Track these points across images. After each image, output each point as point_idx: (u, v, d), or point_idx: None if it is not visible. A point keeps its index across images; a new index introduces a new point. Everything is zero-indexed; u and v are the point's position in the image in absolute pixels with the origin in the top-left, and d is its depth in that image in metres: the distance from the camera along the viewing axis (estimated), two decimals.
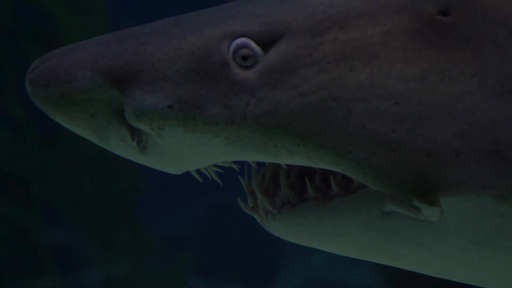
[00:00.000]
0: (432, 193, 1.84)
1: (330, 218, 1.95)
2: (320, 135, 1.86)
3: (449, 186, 1.83)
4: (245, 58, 1.92)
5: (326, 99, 1.86)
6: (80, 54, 1.99)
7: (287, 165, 2.00)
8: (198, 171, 2.08)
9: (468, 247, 1.90)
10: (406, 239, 1.92)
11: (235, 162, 2.06)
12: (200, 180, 2.10)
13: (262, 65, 1.91)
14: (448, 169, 1.83)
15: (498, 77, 1.85)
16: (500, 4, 1.89)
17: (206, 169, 2.06)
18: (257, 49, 1.93)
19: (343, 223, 1.94)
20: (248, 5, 1.99)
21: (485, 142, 1.82)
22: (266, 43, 1.93)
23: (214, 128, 1.91)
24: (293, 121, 1.87)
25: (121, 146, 2.01)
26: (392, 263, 2.02)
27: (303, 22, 1.93)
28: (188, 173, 2.09)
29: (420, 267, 2.01)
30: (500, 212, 1.84)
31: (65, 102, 1.99)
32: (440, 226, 1.88)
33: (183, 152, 1.96)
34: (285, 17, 1.94)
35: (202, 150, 1.95)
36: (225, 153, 1.95)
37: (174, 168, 2.03)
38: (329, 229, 1.96)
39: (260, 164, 2.06)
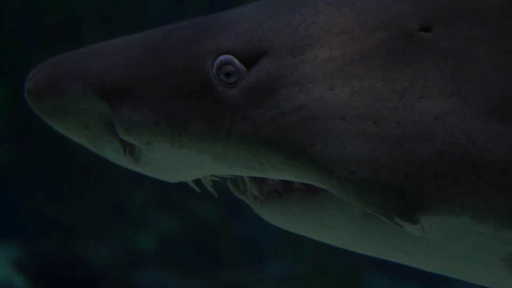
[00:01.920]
0: (412, 213, 1.83)
1: (314, 211, 1.96)
2: (302, 154, 1.85)
3: (428, 206, 1.82)
4: (228, 75, 1.91)
5: (307, 119, 1.85)
6: (74, 66, 2.01)
7: None
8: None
9: (449, 260, 1.90)
10: (388, 242, 1.92)
11: None
12: (198, 190, 2.10)
13: (245, 83, 1.90)
14: (427, 190, 1.81)
15: (477, 96, 1.81)
16: (482, 21, 1.86)
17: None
18: (241, 66, 1.91)
19: (327, 218, 1.95)
20: (234, 21, 1.97)
21: (463, 163, 1.80)
22: (249, 61, 1.91)
23: (200, 145, 1.91)
24: (276, 141, 1.86)
25: (115, 156, 2.03)
26: (380, 257, 2.01)
27: (285, 40, 1.91)
28: None
29: (407, 263, 2.00)
30: (479, 231, 1.83)
31: (59, 112, 2.02)
32: (422, 240, 1.88)
33: (174, 165, 1.97)
34: (268, 35, 1.92)
35: (191, 165, 1.96)
36: (215, 168, 1.95)
37: (169, 178, 2.04)
38: (314, 221, 1.97)
39: None
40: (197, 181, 2.11)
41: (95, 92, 1.97)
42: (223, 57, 1.92)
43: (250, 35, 1.93)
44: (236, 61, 1.91)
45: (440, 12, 1.89)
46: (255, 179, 2.02)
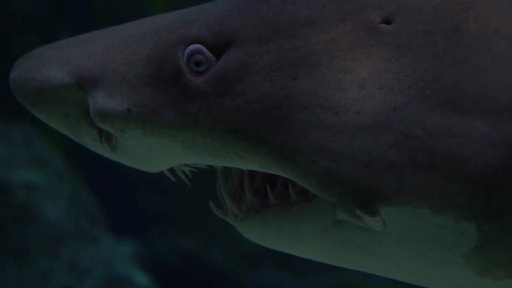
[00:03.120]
0: (371, 204, 1.84)
1: (290, 224, 1.97)
2: (266, 143, 1.87)
3: (386, 197, 1.83)
4: (198, 64, 1.94)
5: (270, 107, 1.88)
6: (54, 55, 2.07)
7: (253, 170, 2.01)
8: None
9: (413, 257, 1.89)
10: (359, 248, 1.92)
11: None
12: (173, 179, 2.13)
13: (213, 71, 1.94)
14: (385, 180, 1.82)
15: (435, 88, 1.82)
16: (442, 13, 1.86)
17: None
18: (210, 55, 1.95)
19: (302, 230, 1.96)
20: (206, 12, 2.01)
21: (420, 154, 1.81)
22: (218, 50, 1.95)
23: (170, 132, 1.94)
24: (241, 129, 1.89)
25: (94, 145, 2.08)
26: (360, 269, 2.02)
27: (252, 30, 1.94)
28: None
29: (383, 274, 2.01)
30: (438, 224, 1.83)
31: (41, 100, 2.07)
32: (385, 236, 1.88)
33: (147, 154, 2.01)
34: (236, 25, 1.95)
35: (163, 152, 1.99)
36: (185, 156, 1.98)
37: (146, 167, 2.07)
38: (290, 236, 1.98)
39: (229, 169, 2.08)
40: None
41: (72, 80, 2.02)
42: (192, 46, 1.96)
43: (219, 25, 1.97)
44: (205, 50, 1.95)
45: (402, 5, 1.90)
46: (234, 197, 2.06)
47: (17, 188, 6.81)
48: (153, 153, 2.01)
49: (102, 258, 6.94)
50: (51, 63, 2.06)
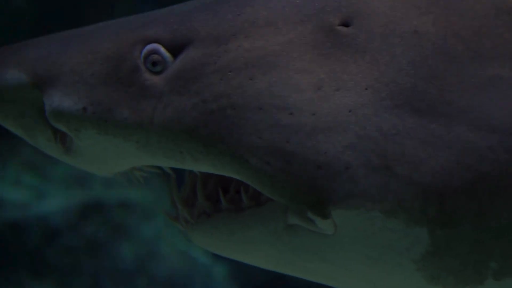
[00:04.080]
0: (323, 206, 1.83)
1: (241, 229, 1.96)
2: (220, 143, 1.87)
3: (339, 199, 1.82)
4: (155, 63, 1.94)
5: (226, 107, 1.87)
6: (12, 55, 2.05)
7: (206, 175, 2.01)
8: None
9: (365, 262, 1.88)
10: (310, 253, 1.91)
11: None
12: (126, 183, 2.12)
13: (170, 71, 1.93)
14: (338, 182, 1.81)
15: (390, 90, 1.83)
16: (400, 17, 1.87)
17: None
18: (167, 55, 1.94)
19: (253, 235, 1.94)
20: (166, 13, 2.02)
21: (375, 156, 1.81)
22: (176, 50, 1.95)
23: (125, 131, 1.94)
24: (196, 128, 1.88)
25: (48, 146, 2.06)
26: (309, 278, 2.00)
27: (211, 30, 1.94)
28: None
29: (334, 283, 1.99)
30: (390, 227, 1.82)
31: None
32: (336, 240, 1.87)
33: (101, 155, 2.00)
34: (195, 25, 1.95)
35: (117, 153, 1.98)
36: (139, 157, 1.97)
37: (98, 170, 2.06)
38: (241, 241, 1.97)
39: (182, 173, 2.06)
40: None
41: (28, 78, 2.01)
42: (150, 46, 1.95)
43: (178, 25, 1.96)
44: (162, 49, 1.94)
45: (361, 8, 1.90)
46: (186, 202, 2.04)
47: (114, 207, 6.86)
48: (107, 154, 1.99)
49: (200, 278, 6.95)
50: (8, 63, 2.04)
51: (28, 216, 6.65)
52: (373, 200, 1.81)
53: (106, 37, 2.01)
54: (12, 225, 6.64)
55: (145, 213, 6.93)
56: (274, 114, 1.86)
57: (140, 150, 1.96)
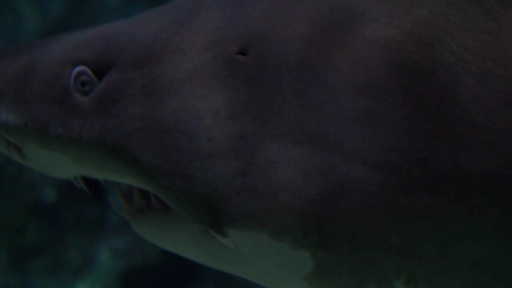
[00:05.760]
0: (220, 226, 1.96)
1: (168, 229, 2.10)
2: (135, 163, 2.01)
3: (232, 221, 1.95)
4: (83, 84, 2.08)
5: (139, 129, 2.01)
6: None
7: None
8: None
9: (266, 276, 2.02)
10: (222, 258, 2.05)
11: None
12: (79, 187, 2.25)
13: (95, 92, 2.07)
14: (231, 205, 1.94)
15: (276, 120, 1.92)
16: (290, 48, 1.95)
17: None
18: (93, 77, 2.08)
19: (178, 236, 2.09)
20: (96, 34, 2.14)
21: (261, 182, 1.91)
22: (100, 72, 2.08)
23: (61, 147, 2.09)
24: (116, 148, 2.02)
25: (7, 153, 2.23)
26: (230, 272, 2.12)
27: (130, 54, 2.06)
28: None
29: (247, 277, 2.11)
30: (278, 249, 1.95)
31: None
32: (239, 254, 2.00)
33: (49, 163, 2.17)
34: (117, 49, 2.08)
35: (60, 164, 2.15)
36: (78, 169, 2.14)
37: (54, 174, 2.22)
38: (169, 239, 2.12)
39: None
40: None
41: None
42: (79, 68, 2.09)
43: (103, 49, 2.09)
44: (89, 71, 2.08)
45: (257, 37, 1.98)
46: (126, 197, 2.18)
47: None
48: (53, 163, 2.16)
49: None
50: None
51: None
52: (261, 224, 1.93)
53: (44, 58, 2.15)
54: None
55: None
56: (177, 138, 1.98)
57: (78, 163, 2.12)
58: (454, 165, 1.88)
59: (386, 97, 1.89)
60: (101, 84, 2.08)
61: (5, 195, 6.33)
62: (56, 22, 6.79)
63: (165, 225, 2.12)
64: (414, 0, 1.96)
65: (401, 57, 1.91)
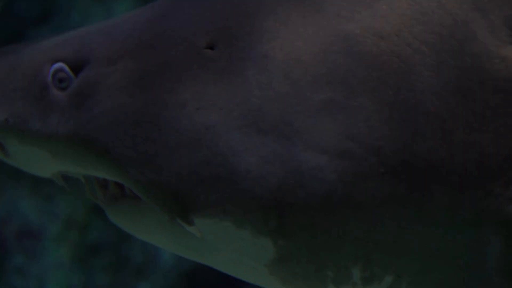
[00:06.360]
0: (186, 214, 2.01)
1: (139, 216, 2.16)
2: (107, 155, 2.07)
3: (197, 209, 2.00)
4: (61, 80, 2.16)
5: (110, 122, 2.07)
6: None
7: None
8: None
9: (231, 264, 2.07)
10: (190, 247, 2.10)
11: None
12: (61, 184, 2.31)
13: (71, 88, 2.15)
14: (195, 194, 1.99)
15: (241, 111, 1.98)
16: (255, 41, 2.01)
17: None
18: (70, 73, 2.16)
19: (148, 223, 2.14)
20: (77, 34, 2.24)
21: (224, 171, 1.97)
22: (77, 69, 2.16)
23: (38, 141, 2.17)
24: (89, 142, 2.09)
25: None
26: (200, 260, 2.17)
27: (104, 51, 2.14)
28: None
29: (215, 266, 2.16)
30: (241, 237, 2.00)
31: None
32: (204, 243, 2.06)
33: (30, 159, 2.24)
34: (93, 46, 2.16)
35: (39, 159, 2.21)
36: (56, 164, 2.21)
37: (33, 171, 2.29)
38: (142, 226, 2.17)
39: None
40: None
41: None
42: (56, 65, 2.18)
43: (80, 46, 2.18)
44: (67, 68, 2.16)
45: (224, 32, 2.05)
46: (101, 184, 2.24)
47: None
48: (33, 159, 2.24)
49: None
50: None
51: None
52: (224, 212, 1.99)
53: (26, 56, 2.25)
54: None
55: None
56: (146, 129, 2.05)
57: (55, 158, 2.20)
58: (409, 153, 1.92)
59: (345, 88, 1.95)
60: (77, 79, 2.16)
61: (68, 192, 6.36)
62: None
63: (136, 213, 2.17)
64: None
65: (360, 50, 1.96)
